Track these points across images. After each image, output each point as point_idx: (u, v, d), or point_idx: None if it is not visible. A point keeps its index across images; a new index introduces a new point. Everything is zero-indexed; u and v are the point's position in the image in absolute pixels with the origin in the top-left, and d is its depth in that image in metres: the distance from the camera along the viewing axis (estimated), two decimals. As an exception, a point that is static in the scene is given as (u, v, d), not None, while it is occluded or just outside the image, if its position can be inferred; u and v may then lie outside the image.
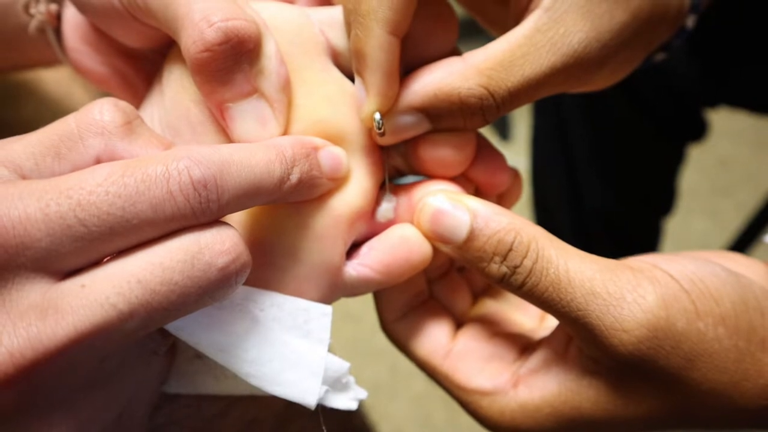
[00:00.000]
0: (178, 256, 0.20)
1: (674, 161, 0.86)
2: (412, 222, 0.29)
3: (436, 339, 0.31)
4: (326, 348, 0.26)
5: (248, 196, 0.22)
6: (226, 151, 0.22)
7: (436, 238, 0.28)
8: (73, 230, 0.19)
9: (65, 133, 0.22)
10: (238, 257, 0.21)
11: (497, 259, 0.26)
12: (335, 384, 0.27)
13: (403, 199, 0.30)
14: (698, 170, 1.50)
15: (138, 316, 0.19)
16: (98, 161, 0.22)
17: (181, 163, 0.20)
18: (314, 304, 0.26)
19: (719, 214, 1.50)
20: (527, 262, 0.26)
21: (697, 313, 0.25)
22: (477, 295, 0.34)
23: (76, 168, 0.22)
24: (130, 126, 0.23)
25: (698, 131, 0.81)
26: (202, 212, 0.21)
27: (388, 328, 0.32)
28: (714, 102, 0.77)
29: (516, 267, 0.26)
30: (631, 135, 0.82)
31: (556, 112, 0.86)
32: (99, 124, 0.22)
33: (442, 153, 0.29)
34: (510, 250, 0.26)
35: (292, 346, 0.25)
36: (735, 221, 1.31)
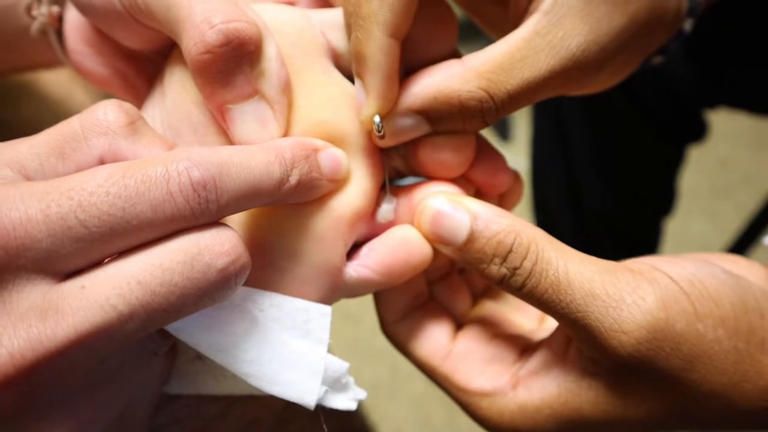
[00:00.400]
0: (178, 257, 0.20)
1: (674, 162, 0.86)
2: (412, 223, 0.29)
3: (436, 340, 0.31)
4: (326, 348, 0.26)
5: (247, 197, 0.22)
6: (225, 152, 0.22)
7: (436, 239, 0.28)
8: (74, 231, 0.19)
9: (69, 134, 0.22)
10: (237, 258, 0.21)
11: (497, 260, 0.27)
12: (335, 384, 0.27)
13: (404, 201, 0.30)
14: (698, 171, 1.50)
15: (138, 317, 0.19)
16: (102, 161, 0.22)
17: (180, 164, 0.21)
18: (314, 305, 0.26)
19: (719, 215, 1.50)
20: (527, 264, 0.26)
21: (696, 314, 0.25)
22: (477, 297, 0.34)
23: (80, 168, 0.22)
24: (134, 126, 0.23)
25: (698, 132, 0.81)
26: (201, 213, 0.21)
27: (388, 329, 0.32)
28: (713, 103, 0.77)
29: (516, 269, 0.26)
30: (630, 136, 0.82)
31: (555, 113, 0.86)
32: (103, 124, 0.22)
33: (442, 155, 0.29)
34: (510, 251, 0.26)
35: (291, 347, 0.25)
36: (734, 222, 1.31)
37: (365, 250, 0.29)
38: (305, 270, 0.27)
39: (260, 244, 0.27)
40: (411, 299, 0.32)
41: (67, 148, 0.22)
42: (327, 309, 0.26)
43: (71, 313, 0.19)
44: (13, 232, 0.19)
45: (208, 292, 0.21)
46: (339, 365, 0.27)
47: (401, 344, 0.32)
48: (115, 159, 0.22)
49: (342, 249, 0.28)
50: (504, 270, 0.26)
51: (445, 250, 0.28)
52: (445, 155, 0.29)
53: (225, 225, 0.22)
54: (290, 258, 0.27)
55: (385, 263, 0.28)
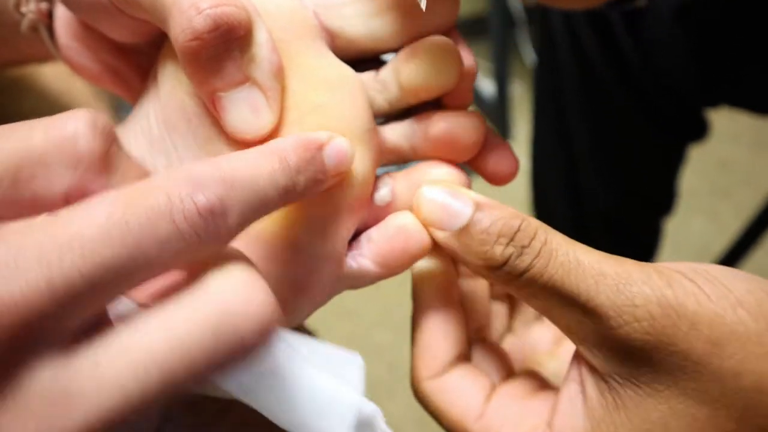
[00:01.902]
0: (201, 329, 0.18)
1: (675, 162, 0.85)
2: (410, 204, 0.29)
3: (472, 400, 0.29)
4: (360, 395, 0.24)
5: (254, 211, 0.21)
6: (226, 166, 0.20)
7: (434, 223, 0.27)
8: (79, 289, 0.17)
9: (28, 155, 0.18)
10: (270, 320, 0.19)
11: (503, 240, 0.25)
12: (363, 429, 0.25)
13: (402, 182, 0.29)
14: (698, 171, 1.50)
15: (155, 398, 0.17)
16: (67, 199, 0.19)
17: (183, 190, 0.18)
18: (346, 353, 0.24)
19: (718, 216, 1.50)
20: (536, 243, 0.25)
21: (707, 296, 0.23)
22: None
23: (36, 202, 0.19)
24: (108, 157, 0.20)
25: (699, 131, 0.81)
26: (208, 238, 0.19)
27: (420, 385, 0.30)
28: (715, 101, 0.77)
29: (524, 247, 0.25)
30: (632, 135, 0.82)
31: (556, 113, 0.86)
32: (71, 154, 0.19)
33: (455, 132, 0.28)
34: (518, 230, 0.25)
35: (321, 390, 0.23)
36: (734, 223, 1.31)
37: (363, 239, 0.29)
38: (308, 261, 0.27)
39: (260, 237, 0.26)
40: (453, 358, 0.30)
41: (25, 172, 0.18)
42: (359, 360, 0.24)
43: (83, 400, 0.17)
44: (15, 309, 0.16)
45: (235, 360, 0.19)
46: (371, 410, 0.24)
47: (432, 402, 0.30)
48: (82, 196, 0.19)
49: (345, 237, 0.27)
50: (511, 249, 0.25)
51: (443, 236, 0.27)
52: (459, 133, 0.28)
53: (254, 273, 0.20)
54: (291, 249, 0.26)
55: (382, 253, 0.28)
